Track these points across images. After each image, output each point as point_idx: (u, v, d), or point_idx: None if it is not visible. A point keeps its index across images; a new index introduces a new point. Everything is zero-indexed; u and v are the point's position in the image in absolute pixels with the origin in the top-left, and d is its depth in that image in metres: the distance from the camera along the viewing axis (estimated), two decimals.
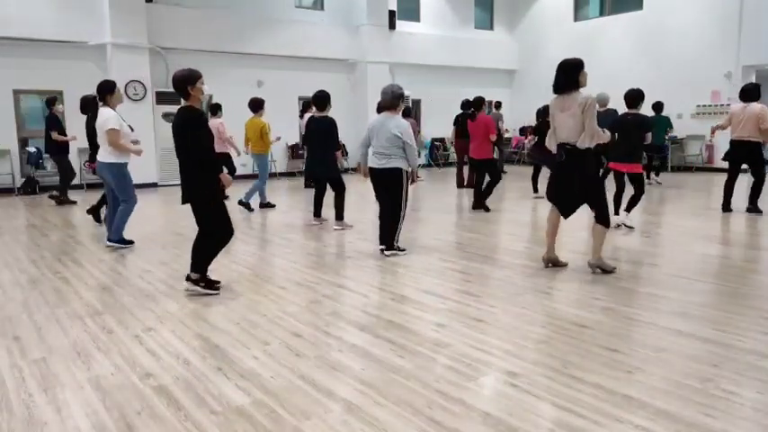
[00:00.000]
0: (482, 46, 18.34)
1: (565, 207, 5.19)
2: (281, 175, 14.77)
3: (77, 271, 5.57)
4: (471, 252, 6.18)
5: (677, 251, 6.05)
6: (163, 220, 7.82)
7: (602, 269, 5.14)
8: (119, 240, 6.48)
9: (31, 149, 11.90)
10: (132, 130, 6.52)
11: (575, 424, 2.58)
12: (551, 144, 5.20)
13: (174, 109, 14.99)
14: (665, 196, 10.38)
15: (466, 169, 10.77)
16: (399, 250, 6.03)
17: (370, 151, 6.04)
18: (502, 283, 4.97)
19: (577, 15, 17.46)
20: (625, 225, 7.26)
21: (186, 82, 4.51)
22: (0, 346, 3.64)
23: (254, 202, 9.39)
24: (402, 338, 3.66)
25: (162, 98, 12.85)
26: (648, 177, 12.55)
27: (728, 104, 14.23)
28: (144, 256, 6.15)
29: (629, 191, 7.33)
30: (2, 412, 2.79)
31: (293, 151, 15.04)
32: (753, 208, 8.26)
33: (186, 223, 8.11)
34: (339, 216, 7.61)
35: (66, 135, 9.83)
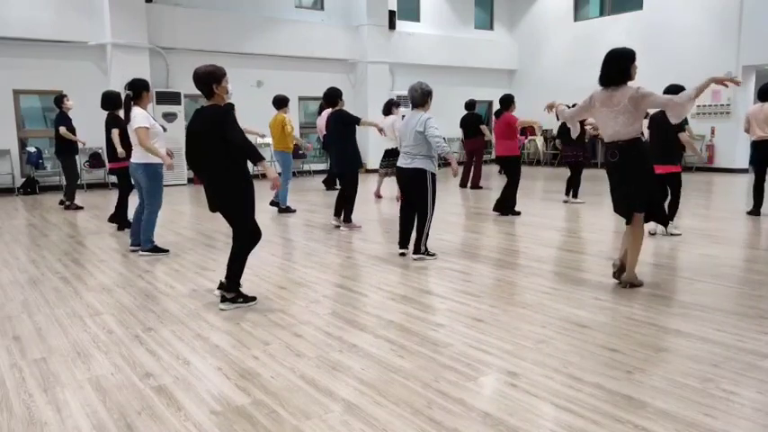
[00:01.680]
0: (482, 46, 18.34)
1: (623, 212, 4.65)
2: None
3: (77, 271, 5.57)
4: (471, 252, 6.18)
5: (677, 251, 6.05)
6: (163, 221, 7.81)
7: (633, 285, 4.68)
8: (152, 249, 6.19)
9: (31, 149, 11.90)
10: (165, 130, 6.32)
11: (575, 424, 2.58)
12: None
13: (174, 109, 15.00)
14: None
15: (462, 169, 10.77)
16: (428, 255, 5.85)
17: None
18: (502, 283, 4.97)
19: (577, 15, 17.46)
20: (671, 233, 6.77)
21: (211, 78, 4.16)
22: (0, 346, 3.64)
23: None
24: (402, 338, 3.66)
25: (162, 98, 12.85)
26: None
27: (728, 104, 14.26)
28: (144, 256, 6.15)
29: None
30: (2, 412, 2.79)
31: (294, 151, 15.00)
32: None
33: (186, 224, 8.12)
34: (347, 217, 7.54)
35: (74, 133, 9.43)
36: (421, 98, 5.71)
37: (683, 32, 14.83)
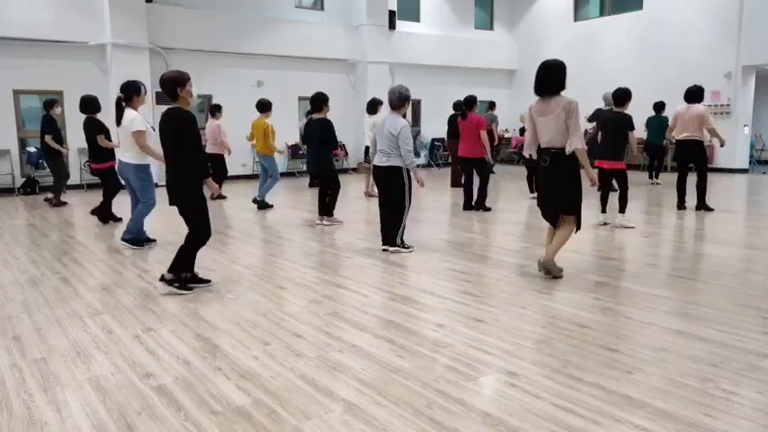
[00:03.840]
0: (482, 46, 18.34)
1: (550, 215, 5.02)
2: (281, 174, 14.78)
3: (77, 271, 5.57)
4: (471, 252, 6.18)
5: (677, 251, 6.05)
6: (162, 220, 7.81)
7: (550, 272, 4.99)
8: (132, 240, 6.43)
9: (31, 149, 11.90)
10: (154, 130, 6.40)
11: (575, 424, 2.58)
12: (530, 148, 5.08)
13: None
14: (665, 196, 10.37)
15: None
16: (404, 247, 6.10)
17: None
18: (502, 283, 4.97)
19: (577, 15, 17.47)
20: (624, 225, 7.29)
21: (176, 83, 4.47)
22: (0, 346, 3.64)
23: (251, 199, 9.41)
24: (402, 338, 3.66)
25: (162, 98, 12.77)
26: (650, 178, 12.56)
27: (728, 104, 14.26)
28: (144, 256, 6.15)
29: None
30: (2, 412, 2.79)
31: (293, 151, 15.03)
32: (702, 206, 8.53)
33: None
34: (329, 212, 7.82)
35: (61, 139, 9.65)
36: (398, 101, 5.94)
37: (683, 32, 14.84)
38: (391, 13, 16.25)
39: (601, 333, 3.70)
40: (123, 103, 6.15)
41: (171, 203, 4.64)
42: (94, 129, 7.89)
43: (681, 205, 8.68)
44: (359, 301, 4.49)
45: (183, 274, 4.75)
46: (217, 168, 10.83)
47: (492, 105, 15.38)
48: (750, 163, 15.21)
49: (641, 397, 2.82)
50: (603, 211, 7.55)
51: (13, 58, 11.68)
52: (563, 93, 4.84)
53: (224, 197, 10.62)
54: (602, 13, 17.03)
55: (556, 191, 4.90)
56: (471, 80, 17.78)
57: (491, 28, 19.06)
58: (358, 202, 10.19)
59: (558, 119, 4.72)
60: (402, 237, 6.13)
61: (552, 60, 4.85)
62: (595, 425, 2.57)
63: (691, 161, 8.53)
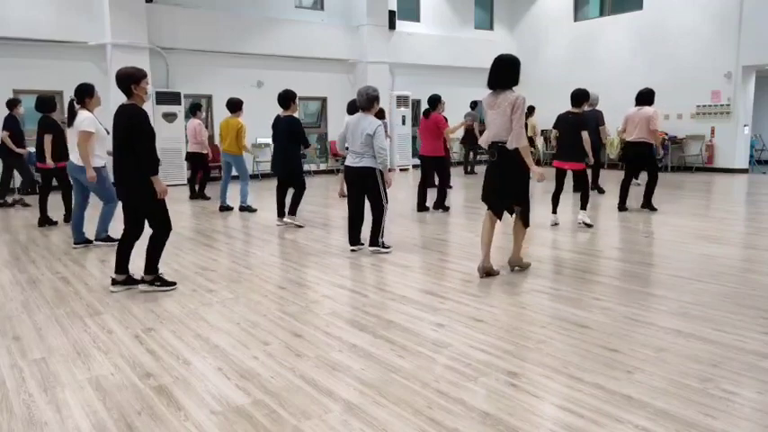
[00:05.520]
0: (482, 46, 18.32)
1: (497, 207, 5.07)
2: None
3: (77, 271, 5.57)
4: (471, 252, 6.17)
5: (676, 251, 6.06)
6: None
7: (520, 267, 5.28)
8: (105, 239, 6.59)
9: (31, 150, 11.87)
10: (109, 133, 6.31)
11: (575, 424, 2.58)
12: (484, 141, 5.09)
13: (173, 109, 15.05)
14: (665, 196, 10.36)
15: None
16: (383, 247, 6.11)
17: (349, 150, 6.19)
18: (502, 283, 4.97)
19: (577, 15, 17.46)
20: (584, 223, 7.38)
21: (131, 80, 4.54)
22: (0, 346, 3.64)
23: (229, 202, 9.31)
24: (402, 338, 3.66)
25: (162, 98, 12.84)
26: (637, 177, 12.53)
27: (728, 104, 14.27)
28: (144, 256, 6.14)
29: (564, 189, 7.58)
30: (2, 412, 2.79)
31: None
32: (647, 205, 8.65)
33: (185, 224, 8.11)
34: (292, 210, 7.70)
35: (23, 138, 9.53)
36: (367, 102, 6.00)
37: (682, 32, 14.83)
38: (391, 13, 16.25)
39: (601, 333, 3.70)
40: (76, 105, 6.17)
41: (123, 202, 4.76)
42: (43, 128, 7.67)
43: (622, 207, 8.64)
44: (359, 301, 4.49)
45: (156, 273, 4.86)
46: (199, 168, 10.81)
47: (474, 105, 15.32)
48: (750, 163, 15.21)
49: (641, 397, 2.82)
50: (554, 212, 7.64)
51: (13, 58, 11.68)
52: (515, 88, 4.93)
53: (207, 198, 10.57)
54: (602, 13, 17.02)
55: (503, 184, 4.97)
56: (471, 80, 17.75)
57: (491, 28, 19.06)
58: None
59: (505, 113, 4.80)
60: (382, 236, 6.13)
61: (506, 55, 4.97)
62: (595, 425, 2.57)
63: (641, 162, 8.57)
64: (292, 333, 3.80)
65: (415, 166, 15.82)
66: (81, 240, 6.64)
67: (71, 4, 12.05)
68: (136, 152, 4.50)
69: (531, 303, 4.37)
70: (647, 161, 8.52)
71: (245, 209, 9.17)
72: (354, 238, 6.27)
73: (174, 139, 12.89)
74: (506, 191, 5.00)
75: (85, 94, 6.17)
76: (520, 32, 19.04)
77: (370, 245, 6.13)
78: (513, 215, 5.17)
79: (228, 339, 3.71)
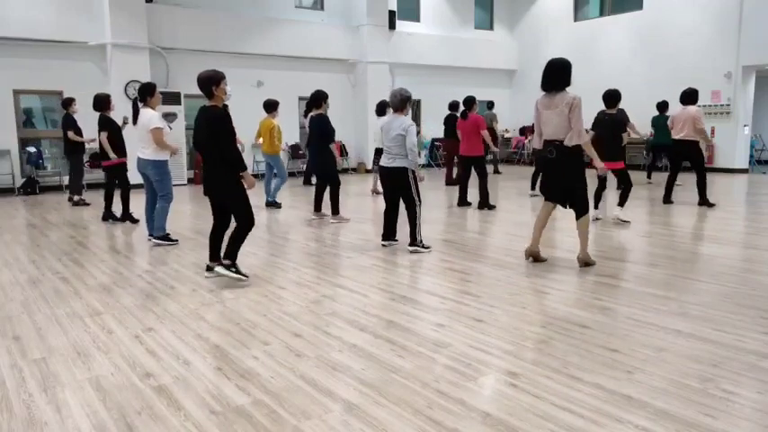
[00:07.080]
0: (482, 46, 18.34)
1: (557, 199, 5.40)
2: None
3: (77, 271, 5.57)
4: (471, 252, 6.18)
5: (677, 251, 6.05)
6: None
7: (588, 264, 5.40)
8: (163, 237, 6.67)
9: (31, 149, 11.90)
10: (170, 129, 6.79)
11: (575, 424, 2.58)
12: (537, 142, 5.42)
13: (174, 109, 15.01)
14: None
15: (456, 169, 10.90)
16: (423, 247, 6.19)
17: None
18: (502, 283, 4.97)
19: (577, 15, 17.47)
20: (620, 219, 7.59)
21: (211, 82, 4.77)
22: (0, 346, 3.64)
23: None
24: (402, 338, 3.66)
25: (168, 98, 12.82)
26: (648, 177, 12.57)
27: (728, 104, 14.27)
28: (144, 256, 6.15)
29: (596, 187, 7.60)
30: (2, 412, 2.79)
31: (293, 151, 15.04)
32: (704, 202, 9.00)
33: (186, 224, 8.11)
34: (335, 210, 8.03)
35: (81, 135, 9.73)
36: (400, 103, 6.17)
37: (682, 32, 14.83)
38: (391, 13, 16.25)
39: (601, 333, 3.70)
40: (140, 103, 6.55)
41: (210, 197, 5.01)
42: (100, 126, 8.09)
43: (667, 200, 9.28)
44: (359, 301, 4.49)
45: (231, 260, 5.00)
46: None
47: (491, 105, 15.42)
48: (750, 163, 15.21)
49: (641, 397, 2.82)
50: (596, 207, 7.87)
51: (13, 58, 11.68)
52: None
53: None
54: (602, 14, 17.03)
55: (563, 180, 5.25)
56: (471, 80, 17.79)
57: (491, 28, 19.06)
58: (359, 202, 10.19)
59: (561, 113, 5.06)
60: (420, 236, 6.21)
61: (558, 59, 5.24)
62: (595, 425, 2.57)
63: (685, 160, 8.97)
64: (292, 333, 3.80)
65: (424, 166, 15.86)
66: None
67: (71, 4, 12.05)
68: (220, 150, 4.74)
69: (531, 303, 4.37)
70: (692, 159, 8.85)
71: (272, 204, 9.45)
72: (387, 234, 6.43)
73: (174, 138, 12.84)
74: (566, 185, 5.25)
75: (147, 93, 6.50)
76: (520, 32, 19.05)
77: (410, 244, 6.21)
78: (576, 216, 5.34)
79: (228, 339, 3.71)
